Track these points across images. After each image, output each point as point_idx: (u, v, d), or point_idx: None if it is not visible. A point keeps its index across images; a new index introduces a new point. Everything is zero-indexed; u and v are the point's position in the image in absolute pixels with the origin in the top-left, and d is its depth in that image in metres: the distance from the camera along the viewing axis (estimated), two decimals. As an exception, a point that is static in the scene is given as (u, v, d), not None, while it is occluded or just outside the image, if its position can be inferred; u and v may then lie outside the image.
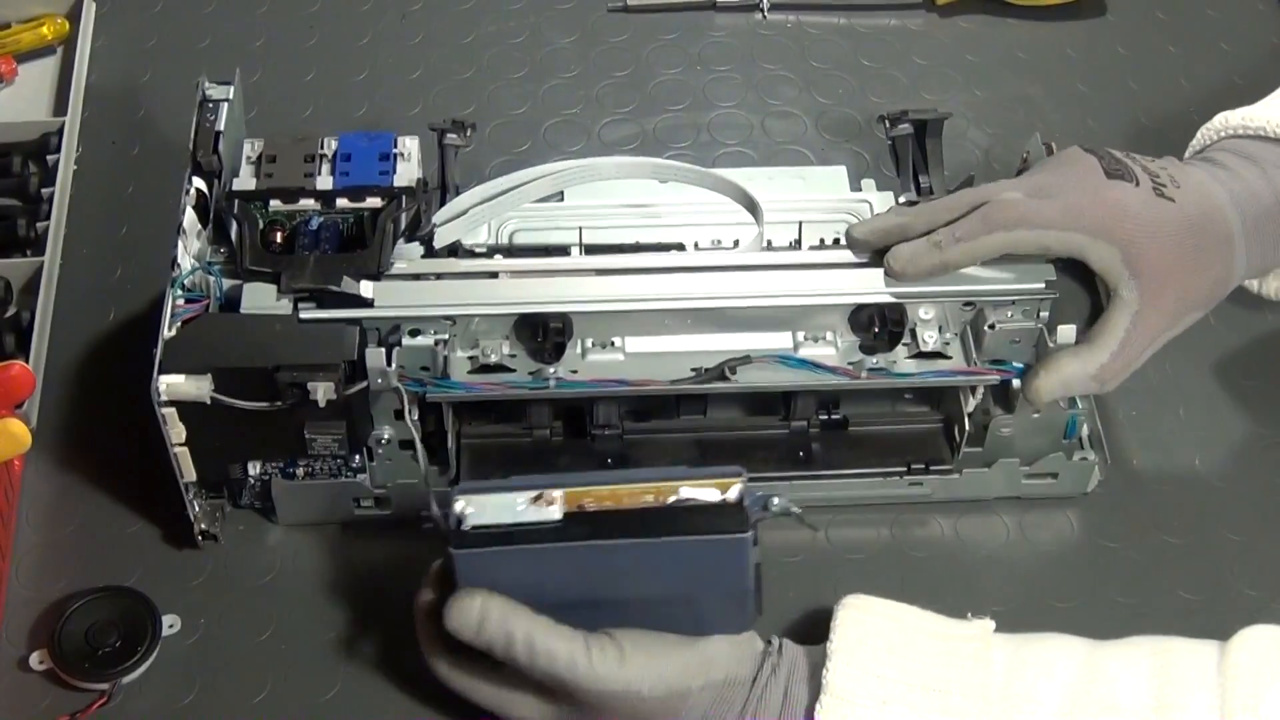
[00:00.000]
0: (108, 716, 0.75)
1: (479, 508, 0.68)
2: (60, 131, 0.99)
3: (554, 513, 0.67)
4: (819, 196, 0.88)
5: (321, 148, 0.81)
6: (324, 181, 0.79)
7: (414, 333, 0.75)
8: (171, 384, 0.72)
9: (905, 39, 1.10)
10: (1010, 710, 0.68)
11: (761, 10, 0.89)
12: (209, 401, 0.72)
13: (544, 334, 0.76)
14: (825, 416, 0.84)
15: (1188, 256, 0.74)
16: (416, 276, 0.77)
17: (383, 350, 0.73)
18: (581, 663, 0.68)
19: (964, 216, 0.74)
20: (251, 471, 0.79)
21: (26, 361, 0.86)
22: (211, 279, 0.76)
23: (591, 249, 0.83)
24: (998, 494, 0.84)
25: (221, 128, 0.79)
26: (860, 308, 0.78)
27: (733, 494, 0.68)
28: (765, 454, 0.83)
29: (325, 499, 0.81)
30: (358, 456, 0.78)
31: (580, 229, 0.83)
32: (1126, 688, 0.68)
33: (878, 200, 0.87)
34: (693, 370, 0.77)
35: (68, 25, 1.06)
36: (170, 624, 0.78)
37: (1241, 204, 0.76)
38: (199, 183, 0.76)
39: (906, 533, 0.83)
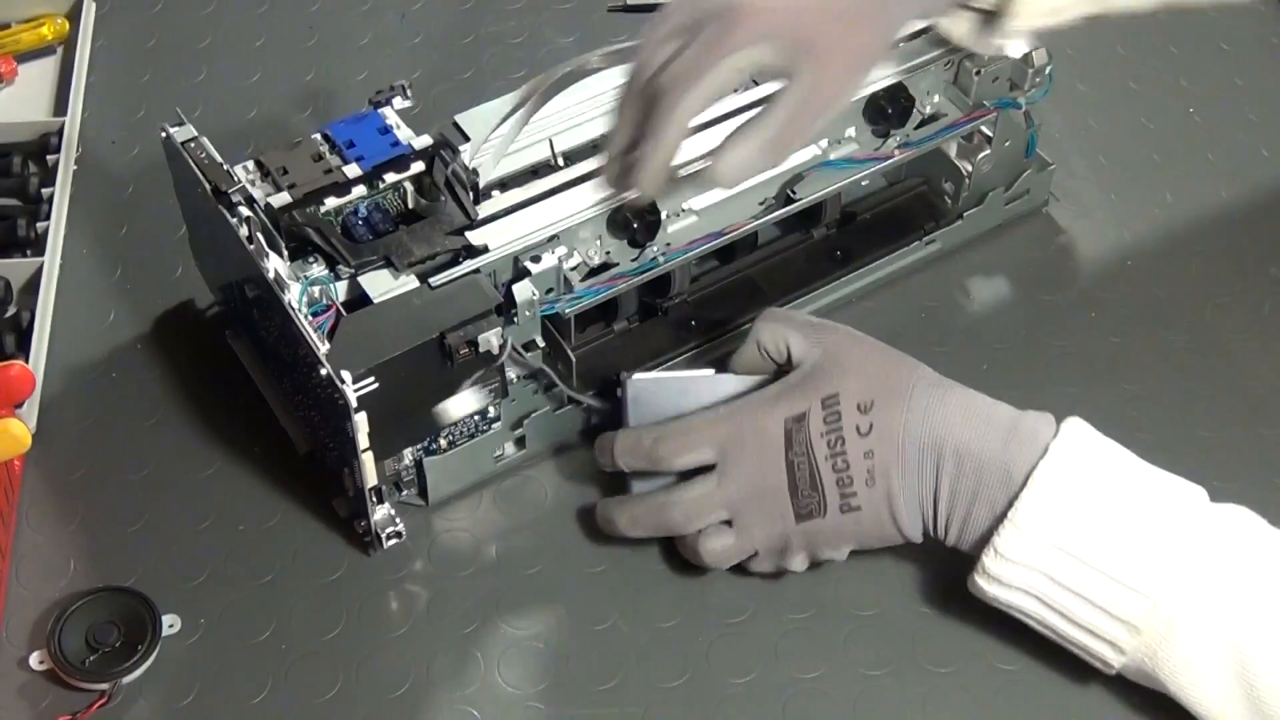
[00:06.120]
0: (108, 716, 0.75)
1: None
2: (60, 131, 1.00)
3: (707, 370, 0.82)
4: None
5: (323, 144, 0.81)
6: (351, 170, 0.79)
7: (535, 259, 0.78)
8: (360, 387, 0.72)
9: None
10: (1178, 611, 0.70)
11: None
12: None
13: (637, 217, 0.80)
14: (838, 216, 0.91)
15: (849, 17, 0.69)
16: (500, 215, 0.79)
17: (525, 282, 0.77)
18: None
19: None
20: (404, 461, 0.81)
21: (26, 361, 0.86)
22: (327, 286, 0.76)
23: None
24: (990, 225, 0.95)
25: (219, 158, 0.79)
26: (869, 98, 0.85)
27: None
28: (810, 266, 0.91)
29: (471, 461, 0.82)
30: (490, 409, 0.80)
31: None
32: None
33: None
34: (760, 204, 0.85)
35: (68, 25, 1.06)
36: (170, 624, 0.78)
37: None
38: (246, 211, 0.76)
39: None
